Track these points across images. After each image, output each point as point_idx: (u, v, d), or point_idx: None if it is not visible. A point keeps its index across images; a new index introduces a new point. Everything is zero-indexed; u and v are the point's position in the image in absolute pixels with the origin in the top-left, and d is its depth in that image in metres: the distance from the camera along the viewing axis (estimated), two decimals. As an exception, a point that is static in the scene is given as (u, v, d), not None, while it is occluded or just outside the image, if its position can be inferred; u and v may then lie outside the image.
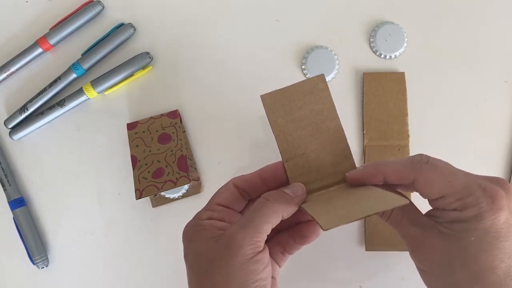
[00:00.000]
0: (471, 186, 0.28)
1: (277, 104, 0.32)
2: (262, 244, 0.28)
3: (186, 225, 0.32)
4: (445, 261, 0.29)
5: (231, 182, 0.33)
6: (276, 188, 0.32)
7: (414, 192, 0.31)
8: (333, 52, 0.46)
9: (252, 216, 0.29)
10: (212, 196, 0.33)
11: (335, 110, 0.32)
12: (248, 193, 0.33)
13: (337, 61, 0.45)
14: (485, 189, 0.28)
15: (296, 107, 0.32)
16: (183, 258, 0.31)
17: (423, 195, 0.30)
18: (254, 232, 0.28)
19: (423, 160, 0.30)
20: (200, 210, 0.32)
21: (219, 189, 0.33)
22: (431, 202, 0.30)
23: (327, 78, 0.45)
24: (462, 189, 0.28)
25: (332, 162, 0.31)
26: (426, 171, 0.29)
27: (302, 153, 0.31)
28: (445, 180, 0.29)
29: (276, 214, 0.29)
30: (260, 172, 0.33)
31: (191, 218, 0.32)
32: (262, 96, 0.32)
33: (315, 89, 0.32)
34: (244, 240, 0.27)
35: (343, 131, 0.32)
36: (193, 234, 0.30)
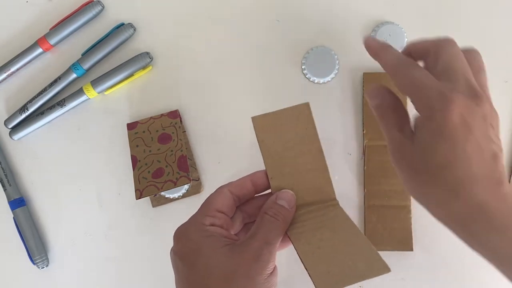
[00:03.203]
0: (432, 90, 0.31)
1: (267, 126, 0.35)
2: (275, 259, 0.31)
3: (184, 227, 0.32)
4: (412, 163, 0.32)
5: (226, 188, 0.33)
6: (264, 190, 0.35)
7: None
8: (333, 52, 0.46)
9: (271, 234, 0.31)
10: (208, 202, 0.33)
11: (317, 135, 0.35)
12: (240, 199, 0.34)
13: (337, 61, 0.45)
14: (441, 93, 0.31)
15: (283, 130, 0.35)
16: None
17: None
18: (275, 249, 0.31)
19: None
20: (198, 214, 0.33)
21: (213, 195, 0.33)
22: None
23: (327, 78, 0.46)
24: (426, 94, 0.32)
25: (312, 182, 0.34)
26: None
27: (286, 172, 0.34)
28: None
29: (283, 232, 0.32)
30: (251, 178, 0.34)
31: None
32: (253, 118, 0.35)
33: (301, 115, 0.35)
34: (271, 256, 0.30)
35: (323, 154, 0.35)
36: (201, 239, 0.31)
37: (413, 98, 0.33)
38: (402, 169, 0.34)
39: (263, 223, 0.32)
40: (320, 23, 0.47)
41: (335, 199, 0.35)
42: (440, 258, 0.44)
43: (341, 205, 0.45)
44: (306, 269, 0.28)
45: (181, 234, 0.32)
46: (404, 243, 0.43)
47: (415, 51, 0.37)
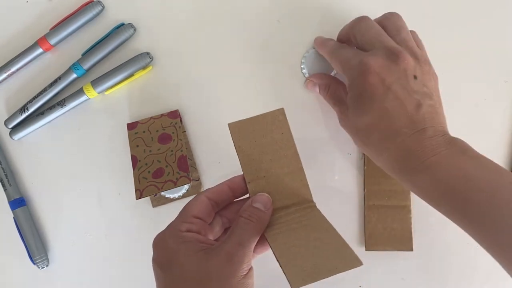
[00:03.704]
0: (353, 61, 0.36)
1: (243, 131, 0.36)
2: (251, 261, 0.32)
3: (161, 235, 0.33)
4: (350, 127, 0.40)
5: (204, 195, 0.34)
6: (242, 195, 0.35)
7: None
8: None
9: (245, 236, 0.31)
10: (185, 209, 0.34)
11: (293, 139, 0.36)
12: (218, 204, 0.35)
13: (337, 61, 0.46)
14: (361, 61, 0.36)
15: (259, 135, 0.36)
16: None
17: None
18: (249, 251, 0.31)
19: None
20: (175, 221, 0.33)
21: (190, 202, 0.34)
22: None
23: (327, 78, 0.46)
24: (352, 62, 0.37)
25: (289, 185, 0.35)
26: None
27: (263, 175, 0.35)
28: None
29: (259, 234, 0.32)
30: (229, 183, 0.35)
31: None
32: (229, 124, 0.36)
33: (276, 120, 0.36)
34: (244, 257, 0.30)
35: (299, 158, 0.35)
36: (177, 246, 0.31)
37: (344, 73, 0.38)
38: (347, 132, 0.40)
39: (238, 225, 0.32)
40: (320, 23, 0.47)
41: (312, 201, 0.35)
42: (440, 258, 0.44)
43: (341, 204, 0.45)
44: (281, 266, 0.29)
45: (158, 242, 0.33)
46: (404, 243, 0.43)
47: (343, 40, 0.42)
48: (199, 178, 0.46)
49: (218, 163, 0.46)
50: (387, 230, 0.43)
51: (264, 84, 0.47)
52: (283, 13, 0.47)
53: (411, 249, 0.43)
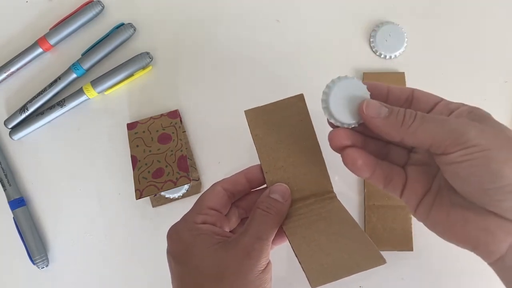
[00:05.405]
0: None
1: (260, 119, 0.34)
2: (269, 255, 0.30)
3: (176, 227, 0.32)
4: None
5: (220, 186, 0.33)
6: (259, 185, 0.34)
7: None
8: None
9: (263, 228, 0.30)
10: (200, 200, 0.33)
11: (313, 127, 0.34)
12: (234, 195, 0.34)
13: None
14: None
15: (277, 123, 0.34)
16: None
17: (421, 102, 0.31)
18: (268, 245, 0.30)
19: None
20: (190, 213, 0.32)
21: (205, 193, 0.33)
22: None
23: (327, 78, 0.45)
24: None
25: (309, 174, 0.33)
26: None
27: (281, 165, 0.33)
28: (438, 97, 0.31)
29: (277, 226, 0.31)
30: (245, 173, 0.34)
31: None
32: (246, 112, 0.34)
33: (294, 107, 0.34)
34: (262, 251, 0.29)
35: (319, 146, 0.34)
36: (192, 238, 0.31)
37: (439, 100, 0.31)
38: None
39: (255, 217, 0.31)
40: (320, 23, 0.47)
41: (332, 191, 0.33)
42: (440, 258, 0.44)
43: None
44: (300, 263, 0.28)
45: (173, 234, 0.32)
46: (404, 243, 0.43)
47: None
48: (199, 178, 0.46)
49: (218, 163, 0.46)
50: (387, 230, 0.43)
51: (264, 84, 0.47)
52: (283, 13, 0.47)
53: (411, 249, 0.43)
